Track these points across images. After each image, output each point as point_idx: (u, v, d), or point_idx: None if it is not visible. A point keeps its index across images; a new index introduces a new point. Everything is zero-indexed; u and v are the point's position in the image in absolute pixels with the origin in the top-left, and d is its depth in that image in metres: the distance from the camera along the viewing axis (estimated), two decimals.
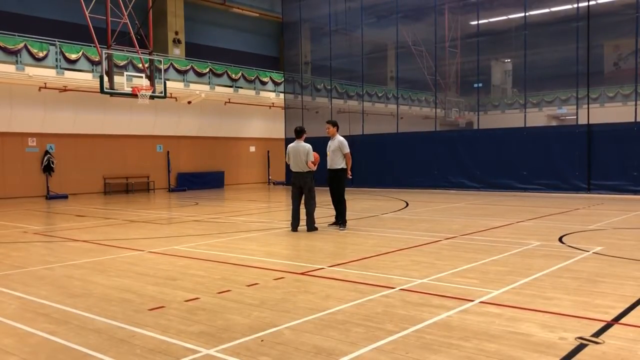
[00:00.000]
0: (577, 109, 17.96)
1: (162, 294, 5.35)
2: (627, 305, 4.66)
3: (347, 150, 9.98)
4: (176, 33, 24.67)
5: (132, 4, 17.78)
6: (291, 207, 9.81)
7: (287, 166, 10.53)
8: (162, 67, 18.62)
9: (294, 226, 9.69)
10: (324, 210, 11.64)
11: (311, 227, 9.66)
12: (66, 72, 19.16)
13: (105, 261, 7.21)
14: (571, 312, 4.51)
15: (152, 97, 17.99)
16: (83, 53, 19.49)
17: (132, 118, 22.24)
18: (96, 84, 18.48)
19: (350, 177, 10.25)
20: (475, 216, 11.71)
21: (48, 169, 19.97)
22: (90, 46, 18.84)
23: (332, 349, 3.73)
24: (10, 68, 17.88)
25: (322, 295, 5.19)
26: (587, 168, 16.96)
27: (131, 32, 17.73)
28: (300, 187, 9.69)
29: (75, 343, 3.95)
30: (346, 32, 24.41)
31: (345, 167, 10.03)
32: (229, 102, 25.27)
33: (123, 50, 18.12)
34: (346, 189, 10.23)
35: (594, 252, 7.16)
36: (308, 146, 9.63)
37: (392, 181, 21.03)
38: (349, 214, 10.49)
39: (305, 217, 9.68)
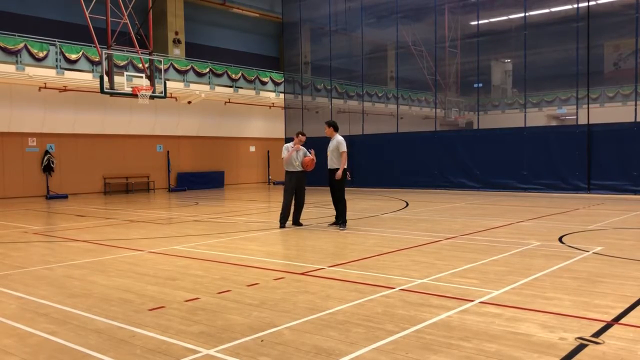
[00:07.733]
0: (577, 109, 17.97)
1: (162, 294, 5.34)
2: (627, 306, 4.66)
3: (343, 149, 10.02)
4: (176, 33, 24.67)
5: (132, 4, 17.78)
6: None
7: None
8: (162, 67, 18.61)
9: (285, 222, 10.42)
10: (324, 210, 11.63)
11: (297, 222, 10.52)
12: (66, 72, 19.15)
13: (105, 261, 7.21)
14: (571, 312, 4.51)
15: (152, 97, 17.99)
16: (83, 53, 19.48)
17: (132, 118, 22.24)
18: (96, 84, 18.49)
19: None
20: (475, 216, 11.71)
21: (48, 168, 19.96)
22: (90, 46, 18.84)
23: (332, 349, 3.73)
24: (11, 68, 17.87)
25: (322, 295, 5.19)
26: (587, 168, 16.96)
27: (131, 32, 17.72)
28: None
29: (75, 343, 3.95)
30: (346, 32, 24.41)
31: (345, 167, 10.05)
32: (229, 102, 25.27)
33: (123, 51, 18.12)
34: (346, 189, 10.25)
35: (594, 252, 7.15)
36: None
37: (392, 181, 21.02)
38: (349, 214, 10.50)
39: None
